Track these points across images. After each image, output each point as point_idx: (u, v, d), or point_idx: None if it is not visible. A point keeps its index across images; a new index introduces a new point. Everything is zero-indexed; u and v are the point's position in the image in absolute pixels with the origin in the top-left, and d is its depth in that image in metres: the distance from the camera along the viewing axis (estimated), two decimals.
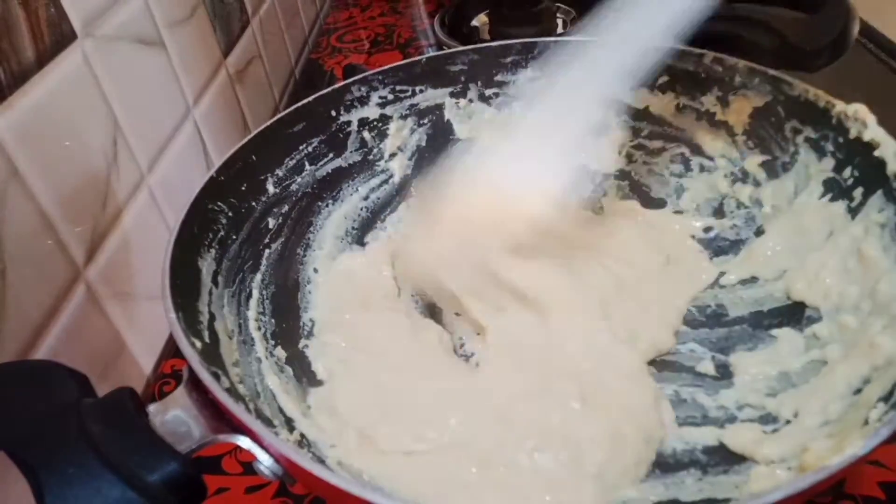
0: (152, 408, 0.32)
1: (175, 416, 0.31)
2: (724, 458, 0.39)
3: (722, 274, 0.50)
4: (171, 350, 0.57)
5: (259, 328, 0.46)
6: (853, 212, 0.42)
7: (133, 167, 0.53)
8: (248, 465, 0.46)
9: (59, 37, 0.45)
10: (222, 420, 0.32)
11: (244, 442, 0.31)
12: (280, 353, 0.46)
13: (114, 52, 0.51)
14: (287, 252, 0.51)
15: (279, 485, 0.45)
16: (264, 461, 0.31)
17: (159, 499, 0.27)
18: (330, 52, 1.00)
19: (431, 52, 0.57)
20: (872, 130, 0.41)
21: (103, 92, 0.49)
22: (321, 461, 0.37)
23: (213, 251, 0.44)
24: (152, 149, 0.56)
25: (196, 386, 0.33)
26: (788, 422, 0.38)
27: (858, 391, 0.36)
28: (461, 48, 0.57)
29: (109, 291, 0.49)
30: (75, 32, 0.46)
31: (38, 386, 0.30)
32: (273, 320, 0.47)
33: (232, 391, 0.36)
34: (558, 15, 0.91)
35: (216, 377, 0.34)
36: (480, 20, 0.93)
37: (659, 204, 0.55)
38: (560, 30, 0.89)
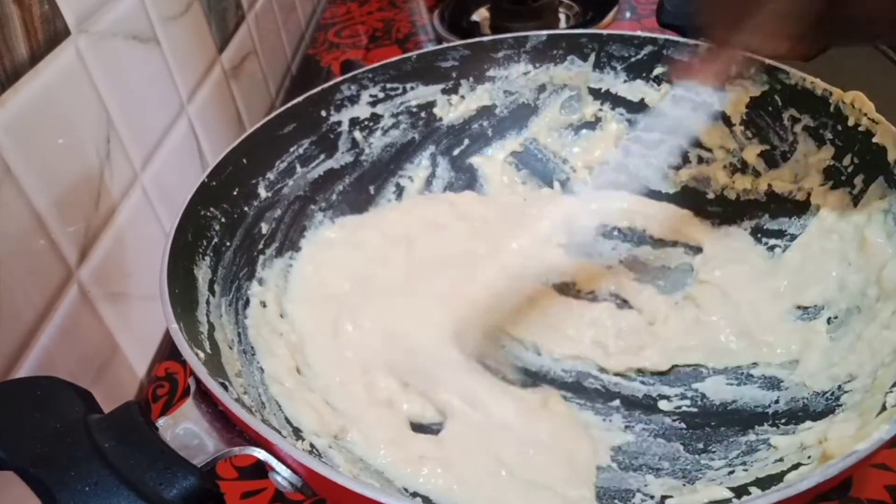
0: (162, 422, 0.30)
1: (186, 430, 0.30)
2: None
3: None
4: (165, 352, 0.55)
5: None
6: (855, 199, 0.42)
7: (126, 165, 0.52)
8: (244, 471, 0.45)
9: (53, 33, 0.44)
10: (234, 431, 0.31)
11: (261, 454, 0.30)
12: None
13: (108, 48, 0.50)
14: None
15: (275, 491, 0.43)
16: (282, 472, 0.30)
17: None
18: (327, 48, 0.98)
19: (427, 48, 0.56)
20: (871, 117, 0.41)
21: (97, 89, 0.48)
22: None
23: (207, 259, 0.43)
24: (146, 146, 0.55)
25: (204, 398, 0.32)
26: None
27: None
28: (452, 43, 0.56)
29: (102, 292, 0.48)
30: (69, 29, 0.46)
31: (42, 403, 0.28)
32: None
33: (239, 402, 0.35)
34: (561, 10, 0.90)
35: (224, 388, 0.33)
36: (481, 15, 0.91)
37: (657, 196, 0.55)
38: (563, 25, 0.88)
